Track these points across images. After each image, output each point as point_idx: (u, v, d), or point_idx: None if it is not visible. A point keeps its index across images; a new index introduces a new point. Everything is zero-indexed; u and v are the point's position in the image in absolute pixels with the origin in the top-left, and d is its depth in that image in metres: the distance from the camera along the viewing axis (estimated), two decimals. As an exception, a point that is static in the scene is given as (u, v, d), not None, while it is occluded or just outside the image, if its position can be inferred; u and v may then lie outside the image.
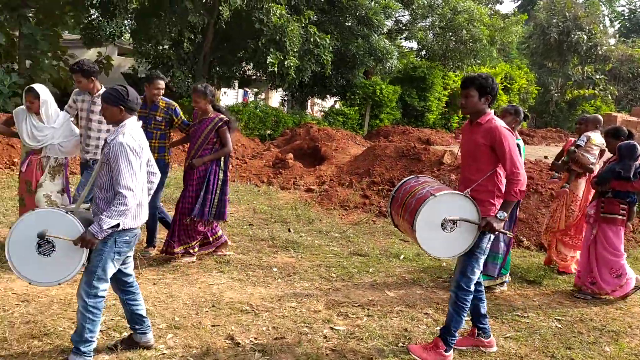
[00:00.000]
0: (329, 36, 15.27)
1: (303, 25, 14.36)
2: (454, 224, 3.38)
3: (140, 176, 3.13)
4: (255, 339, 3.82)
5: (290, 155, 11.42)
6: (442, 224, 3.37)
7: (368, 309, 4.50)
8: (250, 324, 4.04)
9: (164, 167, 5.35)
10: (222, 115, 5.30)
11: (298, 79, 15.26)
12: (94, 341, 3.21)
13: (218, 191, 5.35)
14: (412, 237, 3.51)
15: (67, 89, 15.32)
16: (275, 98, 24.14)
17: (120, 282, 3.43)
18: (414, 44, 25.43)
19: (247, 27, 14.45)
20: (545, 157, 11.34)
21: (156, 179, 3.54)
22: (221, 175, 5.37)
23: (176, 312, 4.17)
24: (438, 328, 3.86)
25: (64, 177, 5.29)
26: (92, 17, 16.11)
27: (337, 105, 22.69)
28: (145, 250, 5.56)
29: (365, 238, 6.82)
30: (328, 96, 20.56)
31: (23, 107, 5.10)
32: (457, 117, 22.75)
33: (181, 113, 5.57)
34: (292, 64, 14.02)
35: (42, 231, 2.99)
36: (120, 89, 3.20)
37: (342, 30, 16.84)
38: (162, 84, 5.42)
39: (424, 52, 23.27)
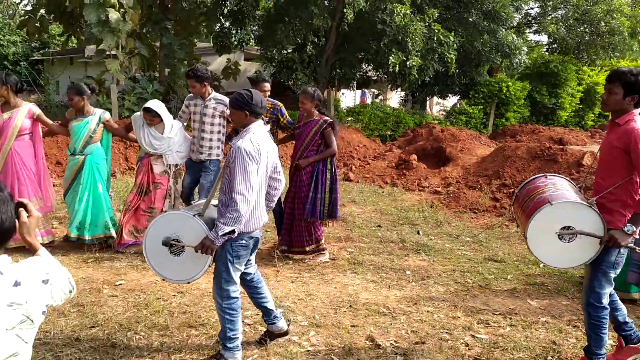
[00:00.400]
0: (452, 33, 14.87)
1: (426, 24, 14.11)
2: (573, 234, 3.11)
3: (255, 181, 3.10)
4: (395, 342, 3.81)
5: (414, 156, 11.27)
6: (559, 234, 3.11)
7: (510, 318, 4.31)
8: (388, 327, 4.03)
9: None
10: (326, 118, 5.40)
11: (420, 79, 15.03)
12: (238, 337, 3.34)
13: (327, 190, 5.44)
14: (526, 243, 3.30)
15: (199, 94, 16.38)
16: (395, 98, 23.98)
17: (242, 280, 3.51)
18: (542, 38, 24.00)
19: (369, 29, 14.51)
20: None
21: (280, 185, 3.52)
22: (329, 174, 5.45)
23: (316, 310, 4.27)
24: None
25: (182, 178, 5.72)
26: (223, 26, 17.08)
27: (459, 104, 22.08)
28: (280, 249, 5.76)
29: (499, 243, 6.53)
30: (449, 95, 20.04)
31: (140, 114, 5.47)
32: (592, 115, 21.13)
33: (286, 112, 5.78)
34: (414, 64, 13.83)
35: (166, 238, 3.17)
36: (245, 93, 3.20)
37: (466, 26, 16.32)
38: (268, 86, 5.63)
39: (555, 46, 21.83)
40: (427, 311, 4.37)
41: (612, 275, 3.24)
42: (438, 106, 23.86)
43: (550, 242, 3.17)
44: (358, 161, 11.97)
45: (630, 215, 3.13)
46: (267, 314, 3.60)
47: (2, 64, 23.55)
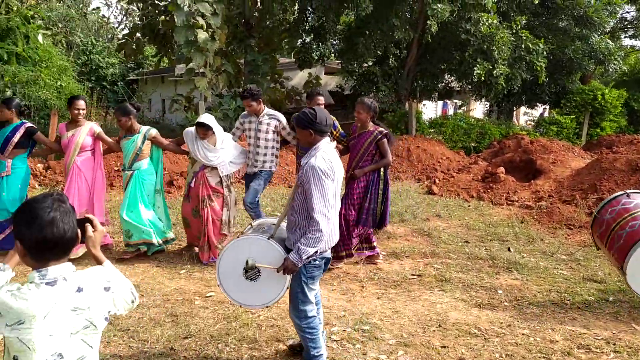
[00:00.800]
0: (542, 40, 14.24)
1: (513, 31, 13.61)
2: None
3: (332, 199, 3.08)
4: (489, 365, 3.63)
5: (501, 168, 10.84)
6: None
7: (614, 344, 3.98)
8: (481, 349, 3.86)
9: None
10: (381, 128, 5.42)
11: (507, 88, 14.49)
12: (322, 354, 3.33)
13: (380, 200, 5.50)
14: (622, 277, 3.00)
15: (281, 108, 16.69)
16: (479, 108, 23.29)
17: None
18: (639, 43, 22.46)
19: (451, 39, 14.23)
20: None
21: (337, 203, 3.30)
22: (381, 185, 5.50)
23: (403, 328, 4.17)
24: None
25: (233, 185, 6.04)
26: (305, 41, 17.39)
27: (546, 114, 21.09)
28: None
29: (598, 262, 6.10)
30: (538, 104, 19.18)
31: (192, 129, 5.66)
32: (699, 123, 19.43)
33: (339, 126, 5.89)
34: (501, 72, 13.37)
35: (250, 264, 3.15)
36: (309, 112, 3.16)
37: (556, 32, 15.59)
38: (322, 99, 5.84)
39: (654, 50, 20.37)
40: (522, 334, 4.14)
41: None
42: (526, 116, 22.90)
43: None
44: (441, 174, 11.69)
45: None
46: None
47: (101, 84, 25.32)
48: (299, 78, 19.40)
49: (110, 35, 31.10)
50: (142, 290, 4.79)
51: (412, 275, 5.50)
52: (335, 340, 3.92)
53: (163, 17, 15.19)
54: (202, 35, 12.31)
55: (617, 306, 4.77)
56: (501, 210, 8.92)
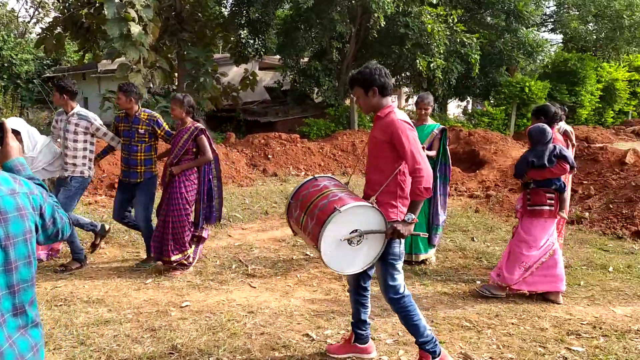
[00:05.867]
0: (477, 35, 14.68)
1: (449, 25, 13.93)
2: (360, 236, 2.99)
3: None
4: (491, 358, 3.59)
5: (447, 160, 11.05)
6: (349, 240, 2.96)
7: (600, 328, 4.08)
8: (477, 342, 3.82)
9: (151, 179, 5.41)
10: (198, 124, 5.15)
11: (445, 81, 14.84)
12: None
13: (215, 196, 5.37)
14: (318, 255, 3.11)
15: (217, 105, 16.09)
16: (411, 103, 23.80)
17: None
18: (557, 36, 23.74)
19: (388, 33, 14.36)
20: None
21: None
22: (215, 182, 5.37)
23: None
24: None
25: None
26: (240, 36, 16.93)
27: (470, 106, 21.83)
28: (144, 262, 5.46)
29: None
30: (469, 97, 19.82)
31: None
32: (612, 112, 20.86)
33: (164, 124, 5.39)
34: (438, 66, 13.65)
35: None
36: None
37: (486, 27, 16.14)
38: (120, 95, 5.31)
39: (571, 44, 21.60)
40: (512, 323, 4.16)
41: (400, 265, 3.19)
42: (459, 109, 23.65)
43: (343, 250, 3.00)
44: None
45: (400, 206, 3.13)
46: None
47: (15, 82, 23.59)
48: (233, 73, 18.91)
49: (22, 28, 29.00)
50: (109, 305, 4.39)
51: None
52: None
53: (86, 9, 14.25)
54: (135, 28, 11.64)
55: (589, 290, 4.93)
56: (452, 201, 9.06)
